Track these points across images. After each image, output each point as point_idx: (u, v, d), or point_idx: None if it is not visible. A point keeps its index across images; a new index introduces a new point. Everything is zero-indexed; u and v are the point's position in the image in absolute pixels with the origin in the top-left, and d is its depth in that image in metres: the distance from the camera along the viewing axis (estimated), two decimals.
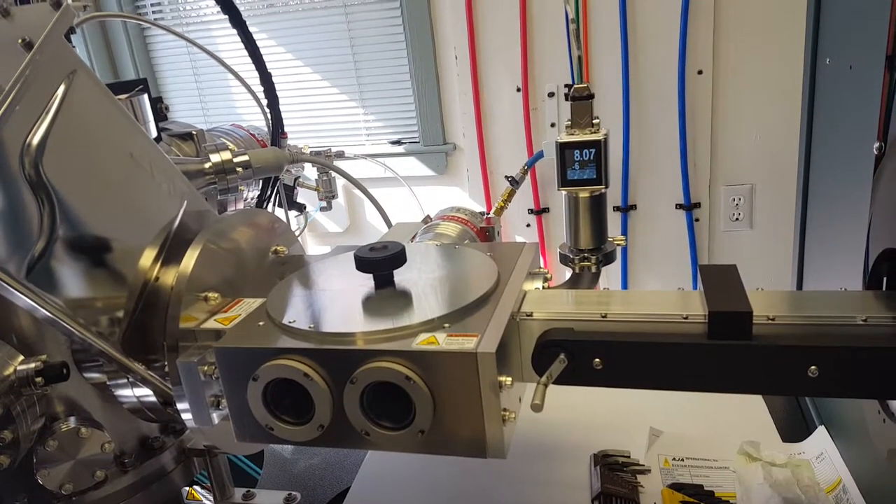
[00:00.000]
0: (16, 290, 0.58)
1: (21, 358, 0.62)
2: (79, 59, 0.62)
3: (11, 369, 0.60)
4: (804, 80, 1.01)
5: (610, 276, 2.32)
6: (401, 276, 0.66)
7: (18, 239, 0.60)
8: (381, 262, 0.63)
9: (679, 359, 0.54)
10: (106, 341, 0.64)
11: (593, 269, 0.78)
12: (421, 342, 0.54)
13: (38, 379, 0.61)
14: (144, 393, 0.69)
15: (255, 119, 1.55)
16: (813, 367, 0.51)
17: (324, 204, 1.76)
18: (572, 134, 0.71)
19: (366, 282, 0.66)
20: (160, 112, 1.08)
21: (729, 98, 2.04)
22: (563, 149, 0.72)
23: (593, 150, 0.70)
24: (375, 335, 0.56)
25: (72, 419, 0.67)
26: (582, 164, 0.71)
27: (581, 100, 0.71)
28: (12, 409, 0.59)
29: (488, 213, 1.00)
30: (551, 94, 2.15)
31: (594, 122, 0.71)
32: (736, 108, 2.04)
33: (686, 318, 0.55)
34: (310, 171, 1.96)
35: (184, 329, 0.63)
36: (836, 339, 0.51)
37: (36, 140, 0.58)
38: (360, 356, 0.54)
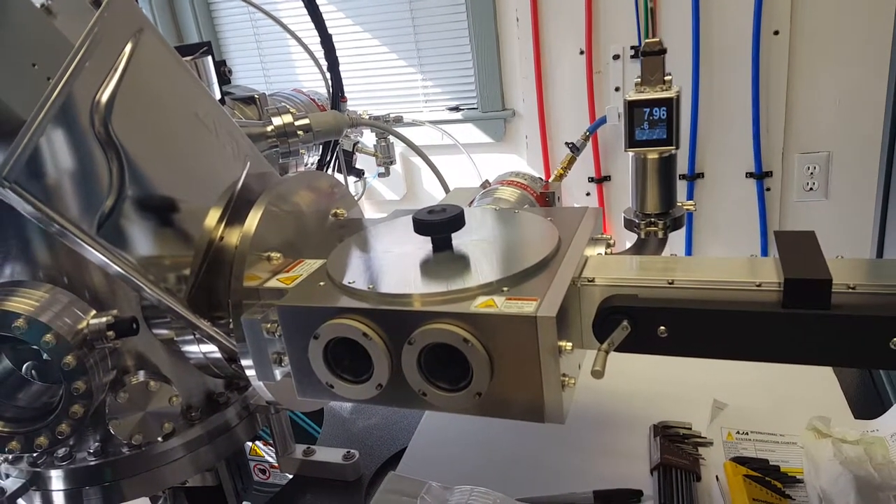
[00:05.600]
0: (90, 246, 0.60)
1: (94, 312, 0.64)
2: (145, 17, 0.63)
3: (84, 323, 0.63)
4: (894, 36, 0.93)
5: (674, 247, 2.25)
6: (459, 240, 0.65)
7: (89, 196, 0.61)
8: (440, 224, 0.63)
9: (751, 328, 0.52)
10: (174, 298, 0.66)
11: (660, 234, 0.75)
12: (479, 305, 0.53)
13: (110, 333, 0.63)
14: (210, 349, 0.71)
15: (315, 85, 1.56)
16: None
17: (382, 170, 1.77)
18: (642, 91, 0.68)
19: (424, 245, 0.65)
20: (224, 75, 1.10)
21: (807, 60, 1.91)
22: (632, 107, 0.68)
23: (664, 109, 0.67)
24: (433, 297, 0.55)
25: (141, 373, 0.69)
26: (652, 123, 0.67)
27: (652, 55, 0.67)
28: (85, 361, 0.62)
29: (547, 181, 0.98)
30: (616, 57, 2.07)
31: (666, 78, 0.67)
32: (815, 70, 1.92)
33: (759, 285, 0.53)
34: (368, 139, 1.97)
35: (247, 287, 0.64)
36: None
37: (105, 97, 0.60)
38: (417, 317, 0.54)
